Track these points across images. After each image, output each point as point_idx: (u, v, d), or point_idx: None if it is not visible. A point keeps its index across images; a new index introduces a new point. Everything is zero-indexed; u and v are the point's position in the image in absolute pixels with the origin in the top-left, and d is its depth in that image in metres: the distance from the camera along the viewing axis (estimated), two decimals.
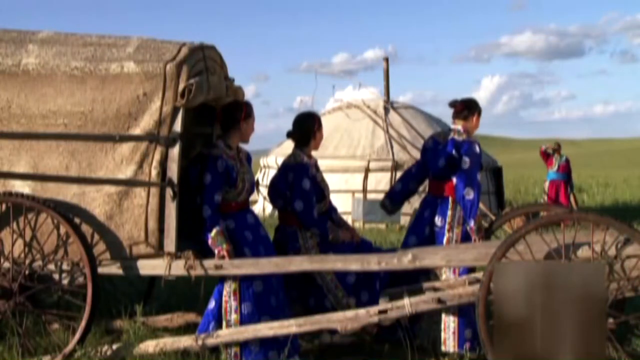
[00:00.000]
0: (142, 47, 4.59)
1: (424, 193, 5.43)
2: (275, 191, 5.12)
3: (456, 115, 5.19)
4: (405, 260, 4.43)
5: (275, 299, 4.70)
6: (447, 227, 4.99)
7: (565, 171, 14.35)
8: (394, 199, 5.51)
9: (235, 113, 4.77)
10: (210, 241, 4.50)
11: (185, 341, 4.53)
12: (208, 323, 4.63)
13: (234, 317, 4.58)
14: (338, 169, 13.00)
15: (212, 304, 4.66)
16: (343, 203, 11.46)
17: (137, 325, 4.77)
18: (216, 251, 4.51)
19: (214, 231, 4.49)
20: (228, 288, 4.61)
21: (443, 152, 5.06)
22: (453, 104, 5.22)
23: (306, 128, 5.06)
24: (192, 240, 4.66)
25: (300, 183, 4.91)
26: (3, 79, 4.58)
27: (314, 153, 5.20)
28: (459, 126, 5.15)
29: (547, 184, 14.65)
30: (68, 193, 4.51)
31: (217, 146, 4.74)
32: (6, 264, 4.48)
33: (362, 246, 5.06)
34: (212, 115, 5.30)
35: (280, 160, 14.90)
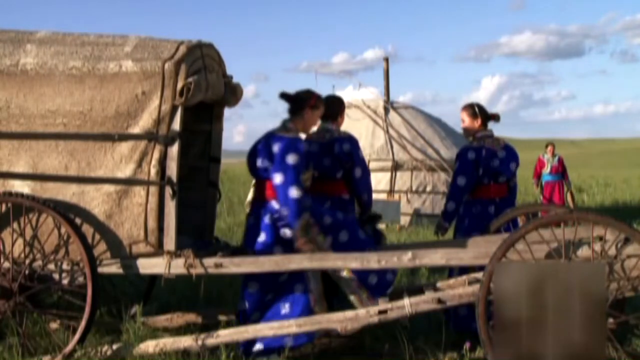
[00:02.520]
0: (140, 46, 4.59)
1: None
2: (339, 162, 5.10)
3: (487, 122, 5.53)
4: (405, 259, 4.43)
5: None
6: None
7: (560, 171, 14.19)
8: (451, 219, 5.52)
9: (302, 100, 4.80)
10: (299, 228, 4.37)
11: (185, 341, 4.52)
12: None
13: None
14: None
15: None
16: None
17: (137, 325, 4.77)
18: (302, 241, 4.39)
19: (303, 220, 4.37)
20: None
21: (512, 157, 5.46)
22: (497, 117, 5.56)
23: (337, 104, 5.27)
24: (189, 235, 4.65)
25: (358, 152, 5.17)
26: (1, 79, 4.59)
27: None
28: (490, 131, 5.50)
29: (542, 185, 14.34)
30: (67, 192, 4.51)
31: (291, 129, 4.69)
32: (6, 264, 4.48)
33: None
34: (210, 112, 5.31)
35: None
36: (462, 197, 5.43)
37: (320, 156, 5.06)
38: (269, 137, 4.66)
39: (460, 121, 5.59)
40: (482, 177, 5.37)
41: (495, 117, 5.54)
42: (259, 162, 4.62)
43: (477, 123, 5.47)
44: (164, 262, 4.46)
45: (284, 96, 4.82)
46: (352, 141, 5.18)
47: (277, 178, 4.48)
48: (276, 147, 4.53)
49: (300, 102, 4.79)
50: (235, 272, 4.60)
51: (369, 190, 5.25)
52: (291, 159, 4.46)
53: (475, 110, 5.47)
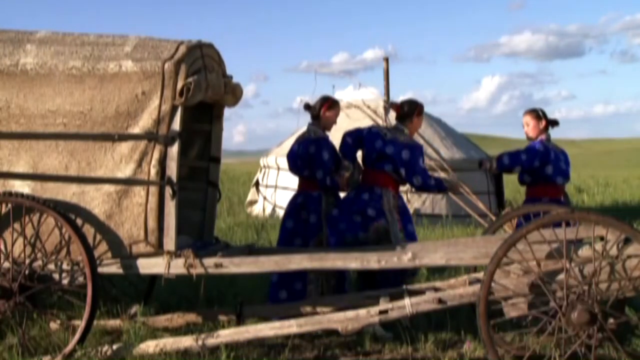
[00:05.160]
0: (140, 46, 4.59)
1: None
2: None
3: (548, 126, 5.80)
4: (405, 259, 4.43)
5: None
6: None
7: None
8: (500, 168, 5.80)
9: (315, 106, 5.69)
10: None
11: (185, 341, 4.52)
12: None
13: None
14: None
15: None
16: None
17: (137, 325, 4.77)
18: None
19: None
20: None
21: (568, 161, 5.86)
22: (557, 122, 5.85)
23: (412, 107, 5.65)
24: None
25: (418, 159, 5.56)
26: (1, 79, 4.59)
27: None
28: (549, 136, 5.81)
29: None
30: (67, 192, 4.51)
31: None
32: (6, 264, 4.47)
33: None
34: (210, 112, 5.31)
35: (280, 160, 14.80)
36: (515, 165, 5.74)
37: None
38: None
39: (524, 125, 5.83)
40: (555, 177, 5.66)
41: (555, 123, 5.82)
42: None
43: (542, 124, 5.75)
44: (164, 262, 4.46)
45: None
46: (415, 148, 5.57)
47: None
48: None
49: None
50: (235, 272, 4.61)
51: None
52: (324, 154, 5.59)
53: (540, 114, 5.76)
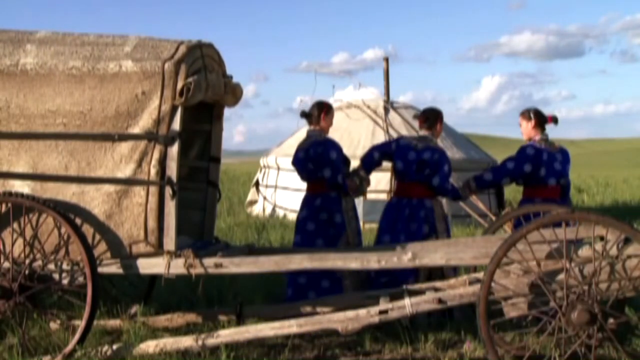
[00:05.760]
0: (140, 46, 4.59)
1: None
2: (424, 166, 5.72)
3: (543, 125, 5.78)
4: (405, 259, 4.43)
5: None
6: None
7: None
8: (481, 186, 5.90)
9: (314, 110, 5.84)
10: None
11: (185, 341, 4.52)
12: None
13: None
14: None
15: None
16: None
17: (137, 325, 4.76)
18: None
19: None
20: None
21: (568, 159, 5.82)
22: (555, 120, 5.85)
23: (435, 115, 5.90)
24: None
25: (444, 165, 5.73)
26: (1, 79, 4.59)
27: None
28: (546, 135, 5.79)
29: None
30: (67, 192, 4.50)
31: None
32: (6, 264, 4.47)
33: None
34: (210, 112, 5.31)
35: (280, 160, 14.78)
36: (502, 177, 5.74)
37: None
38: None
39: (519, 125, 5.89)
40: (547, 178, 5.64)
41: (553, 120, 5.82)
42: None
43: (531, 125, 5.75)
44: (164, 262, 4.46)
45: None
46: (441, 153, 5.75)
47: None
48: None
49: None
50: (235, 272, 4.60)
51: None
52: (332, 154, 5.71)
53: (529, 115, 5.78)
